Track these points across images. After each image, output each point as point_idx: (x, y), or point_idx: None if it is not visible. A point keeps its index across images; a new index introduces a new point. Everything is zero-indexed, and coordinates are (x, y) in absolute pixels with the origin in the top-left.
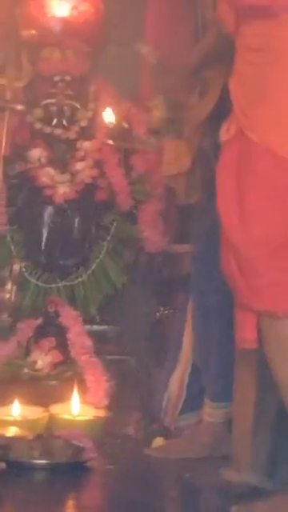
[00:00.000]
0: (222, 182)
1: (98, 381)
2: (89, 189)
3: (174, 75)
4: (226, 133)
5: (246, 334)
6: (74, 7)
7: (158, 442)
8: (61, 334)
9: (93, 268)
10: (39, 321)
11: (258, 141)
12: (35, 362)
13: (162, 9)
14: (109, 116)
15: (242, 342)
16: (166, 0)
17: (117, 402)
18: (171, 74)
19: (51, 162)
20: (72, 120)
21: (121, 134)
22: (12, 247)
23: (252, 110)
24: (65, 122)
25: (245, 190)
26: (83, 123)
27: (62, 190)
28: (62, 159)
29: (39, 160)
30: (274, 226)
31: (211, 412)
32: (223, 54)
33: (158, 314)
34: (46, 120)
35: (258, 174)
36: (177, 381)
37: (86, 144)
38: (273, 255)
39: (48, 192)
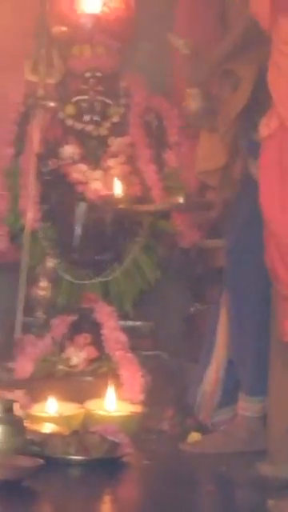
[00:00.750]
0: (264, 177)
1: (133, 376)
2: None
3: (204, 66)
4: (266, 128)
5: None
6: (105, 4)
7: (194, 437)
8: (95, 330)
9: (126, 264)
10: (74, 317)
11: None
12: (70, 359)
13: (191, 2)
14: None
15: (286, 335)
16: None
17: (152, 398)
18: (202, 65)
19: (83, 159)
20: (103, 116)
21: None
22: (45, 244)
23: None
24: (96, 118)
25: (286, 179)
26: (115, 119)
27: (95, 187)
28: (94, 155)
29: (71, 157)
30: None
31: (246, 406)
32: (251, 44)
33: (191, 309)
34: (78, 116)
35: None
36: (211, 376)
37: (118, 140)
38: None
39: (81, 188)
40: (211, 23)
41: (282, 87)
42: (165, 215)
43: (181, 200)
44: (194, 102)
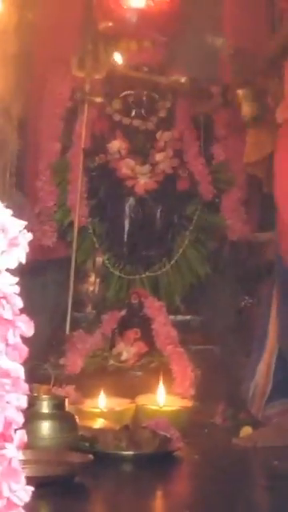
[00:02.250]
0: (278, 164)
1: (184, 371)
2: (170, 179)
3: (254, 64)
4: (280, 115)
5: None
6: None
7: (246, 431)
8: (145, 324)
9: (176, 258)
10: (123, 312)
11: None
12: (120, 354)
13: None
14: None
15: None
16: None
17: (203, 392)
18: (250, 63)
19: (131, 154)
20: (151, 110)
21: None
22: (94, 239)
23: None
24: (143, 113)
25: None
26: (162, 113)
27: (143, 181)
28: (141, 150)
29: (119, 152)
30: None
31: None
32: None
33: (242, 303)
34: (125, 111)
35: None
36: (263, 369)
37: (166, 134)
38: None
39: (129, 183)
40: (259, 27)
41: None
42: (214, 209)
43: (182, 80)
44: (246, 103)
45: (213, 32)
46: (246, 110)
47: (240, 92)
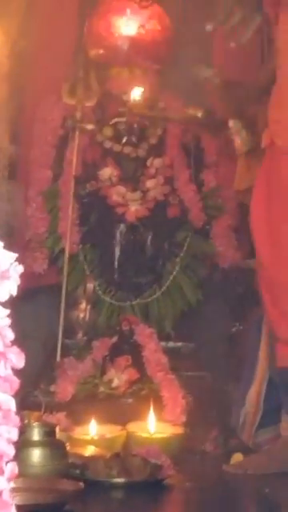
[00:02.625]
0: (255, 194)
1: (175, 398)
2: (160, 206)
3: (244, 95)
4: (265, 139)
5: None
6: (141, 26)
7: (237, 457)
8: (136, 351)
9: (167, 285)
10: (114, 339)
11: (283, 145)
12: (111, 381)
13: None
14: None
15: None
16: None
17: (194, 419)
18: (240, 94)
19: (122, 181)
20: (142, 138)
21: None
22: (85, 266)
23: (280, 114)
24: (134, 140)
25: (272, 200)
26: (153, 140)
27: (134, 208)
28: (132, 177)
29: (110, 179)
30: None
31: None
32: None
33: (233, 329)
34: (116, 138)
35: (283, 183)
36: (254, 396)
37: (157, 161)
38: None
39: (120, 210)
40: (249, 58)
41: (274, 100)
42: (205, 235)
43: (199, 114)
44: (238, 137)
45: (204, 62)
46: (239, 143)
47: (231, 123)
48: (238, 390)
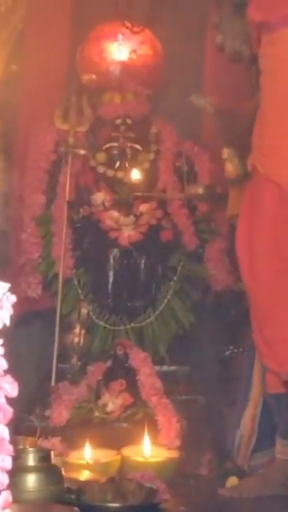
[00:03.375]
0: (240, 219)
1: (169, 421)
2: (154, 230)
3: (237, 124)
4: (249, 167)
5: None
6: (133, 51)
7: (232, 481)
8: (130, 375)
9: (161, 308)
10: (108, 363)
11: (264, 171)
12: (106, 405)
13: (219, 62)
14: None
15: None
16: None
17: (189, 443)
18: (233, 123)
19: (115, 205)
20: (134, 162)
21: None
22: (79, 290)
23: (261, 141)
24: (127, 165)
25: (253, 226)
26: (145, 165)
27: (127, 233)
28: (125, 202)
29: (103, 203)
30: (276, 268)
31: (283, 450)
32: None
33: (227, 353)
34: (109, 163)
35: (264, 209)
36: (248, 419)
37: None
38: (282, 300)
39: (113, 235)
40: (238, 77)
41: (257, 127)
42: (198, 259)
43: (200, 191)
44: (231, 164)
45: (196, 89)
46: (231, 169)
47: (225, 151)
48: (233, 414)
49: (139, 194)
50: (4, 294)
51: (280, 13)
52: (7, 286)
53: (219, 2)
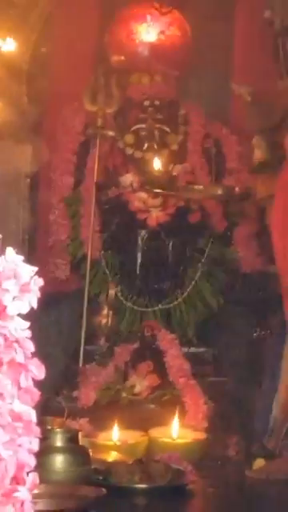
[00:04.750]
0: (275, 201)
1: (197, 403)
2: (182, 212)
3: (270, 115)
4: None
5: None
6: (161, 32)
7: (259, 463)
8: (158, 357)
9: (188, 290)
10: (136, 345)
11: None
12: (133, 387)
13: (249, 49)
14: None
15: None
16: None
17: (216, 424)
18: (267, 113)
19: (143, 187)
20: (162, 144)
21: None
22: (107, 272)
23: None
24: (155, 146)
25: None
26: (174, 147)
27: (155, 214)
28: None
29: (131, 185)
30: None
31: None
32: None
33: (254, 335)
34: (137, 145)
35: None
36: (281, 402)
37: (178, 167)
38: None
39: (141, 216)
40: (270, 76)
41: None
42: (226, 241)
43: (219, 191)
44: (259, 150)
45: (224, 72)
46: (258, 155)
47: (255, 139)
48: (262, 396)
49: (159, 191)
50: (32, 278)
51: None
52: (35, 269)
53: None
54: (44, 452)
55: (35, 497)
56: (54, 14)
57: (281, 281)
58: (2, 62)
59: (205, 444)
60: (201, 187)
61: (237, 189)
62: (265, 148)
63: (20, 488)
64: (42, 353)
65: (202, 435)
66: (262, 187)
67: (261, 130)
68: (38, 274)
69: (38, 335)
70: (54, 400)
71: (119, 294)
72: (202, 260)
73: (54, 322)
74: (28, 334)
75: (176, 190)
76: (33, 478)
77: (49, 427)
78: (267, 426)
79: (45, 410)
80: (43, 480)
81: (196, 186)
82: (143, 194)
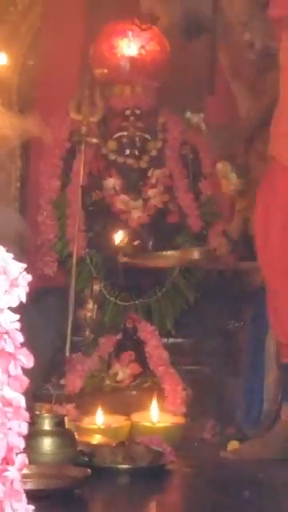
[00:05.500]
0: (257, 204)
1: (175, 390)
2: (161, 213)
3: (233, 140)
4: (272, 150)
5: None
6: (142, 47)
7: (233, 445)
8: (139, 347)
9: (167, 286)
10: (119, 336)
11: (278, 157)
12: (116, 375)
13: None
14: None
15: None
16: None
17: (193, 409)
18: (229, 139)
19: (125, 190)
20: (143, 150)
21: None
22: (92, 269)
23: (276, 128)
24: (136, 153)
25: (269, 210)
26: (153, 153)
27: (136, 215)
28: (134, 186)
29: (114, 188)
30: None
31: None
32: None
33: (228, 326)
34: (119, 151)
35: (278, 195)
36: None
37: (157, 172)
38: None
39: (123, 217)
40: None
41: (274, 118)
42: (202, 240)
43: (196, 255)
44: (229, 180)
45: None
46: (225, 184)
47: (219, 165)
48: (238, 383)
49: (133, 261)
50: (20, 274)
51: None
52: (23, 266)
53: (247, 4)
54: (33, 435)
55: (25, 477)
56: (42, 29)
57: (251, 277)
58: None
59: (183, 427)
60: (176, 253)
61: (215, 249)
62: (235, 176)
63: (10, 468)
64: (31, 343)
65: (180, 419)
66: (240, 200)
67: (225, 156)
68: (27, 270)
69: (27, 327)
70: (42, 387)
71: (103, 290)
72: None
73: (42, 315)
74: (17, 325)
75: (152, 258)
76: (22, 458)
77: (37, 412)
78: (243, 412)
79: (34, 396)
80: (32, 461)
81: (170, 252)
82: (125, 197)
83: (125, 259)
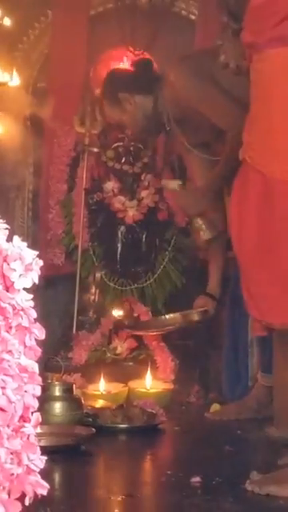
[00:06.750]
0: (231, 201)
1: (166, 361)
2: (152, 211)
3: (202, 200)
4: (243, 153)
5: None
6: None
7: (215, 407)
8: None
9: (158, 273)
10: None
11: (249, 160)
12: (116, 348)
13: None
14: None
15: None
16: None
17: (180, 377)
18: (199, 199)
19: (122, 192)
20: (136, 158)
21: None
22: (94, 259)
23: (249, 137)
24: (131, 160)
25: (241, 207)
26: (145, 160)
27: (131, 213)
28: (130, 189)
29: (112, 190)
30: (258, 242)
31: (263, 379)
32: None
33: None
34: (117, 158)
35: (249, 194)
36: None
37: (149, 176)
38: (262, 264)
39: (120, 215)
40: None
41: (246, 127)
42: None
43: (196, 317)
44: (203, 232)
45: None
46: (201, 235)
47: (194, 222)
48: (225, 354)
49: (143, 333)
50: (33, 259)
51: (265, 36)
52: (36, 253)
53: (221, 29)
54: (45, 400)
55: (38, 435)
56: (50, 56)
57: (238, 262)
58: (11, 94)
59: (172, 392)
60: (177, 315)
61: (210, 309)
62: (205, 229)
63: (26, 425)
64: (43, 323)
65: (169, 386)
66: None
67: (197, 213)
68: (39, 258)
69: (40, 309)
70: (53, 359)
71: (104, 277)
72: (169, 249)
73: (52, 298)
74: (32, 303)
75: (154, 323)
76: (36, 417)
77: (49, 381)
78: (225, 379)
79: (46, 367)
80: (45, 422)
81: (173, 315)
82: (122, 198)
83: (128, 331)
